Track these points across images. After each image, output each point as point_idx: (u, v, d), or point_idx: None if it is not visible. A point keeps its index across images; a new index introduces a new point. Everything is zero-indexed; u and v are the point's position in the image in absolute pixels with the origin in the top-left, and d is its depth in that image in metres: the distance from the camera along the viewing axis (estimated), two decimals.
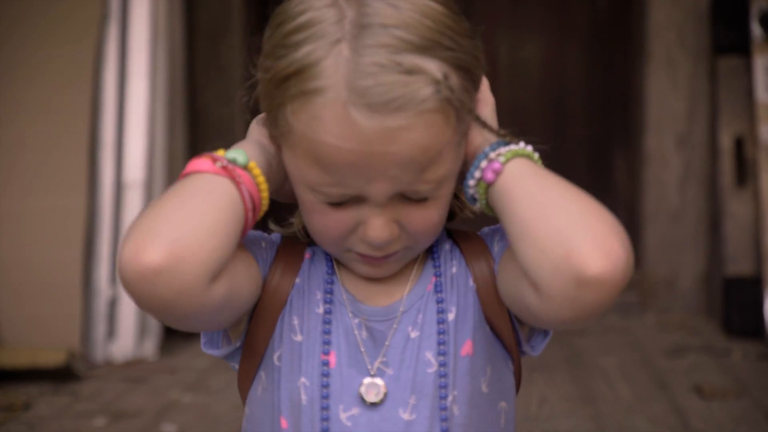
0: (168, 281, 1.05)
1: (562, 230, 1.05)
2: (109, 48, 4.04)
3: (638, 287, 4.78)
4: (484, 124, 1.17)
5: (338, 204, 1.17)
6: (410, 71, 1.09)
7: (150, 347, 4.01)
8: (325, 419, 1.21)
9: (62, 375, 3.63)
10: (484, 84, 1.24)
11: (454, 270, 1.25)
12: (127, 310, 3.92)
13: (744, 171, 4.30)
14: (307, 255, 1.28)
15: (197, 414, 3.27)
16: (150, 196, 4.00)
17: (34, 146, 3.88)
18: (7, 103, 3.92)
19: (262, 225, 1.35)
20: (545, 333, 1.27)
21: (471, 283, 1.24)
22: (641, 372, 3.72)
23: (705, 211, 4.64)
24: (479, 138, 1.19)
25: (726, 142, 4.36)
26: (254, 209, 1.16)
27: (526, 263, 1.08)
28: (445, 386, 1.20)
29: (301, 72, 1.12)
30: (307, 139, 1.13)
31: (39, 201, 3.83)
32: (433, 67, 1.10)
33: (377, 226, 1.16)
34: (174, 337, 4.16)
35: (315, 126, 1.11)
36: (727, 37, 4.46)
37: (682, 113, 4.68)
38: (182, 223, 1.08)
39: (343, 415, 1.21)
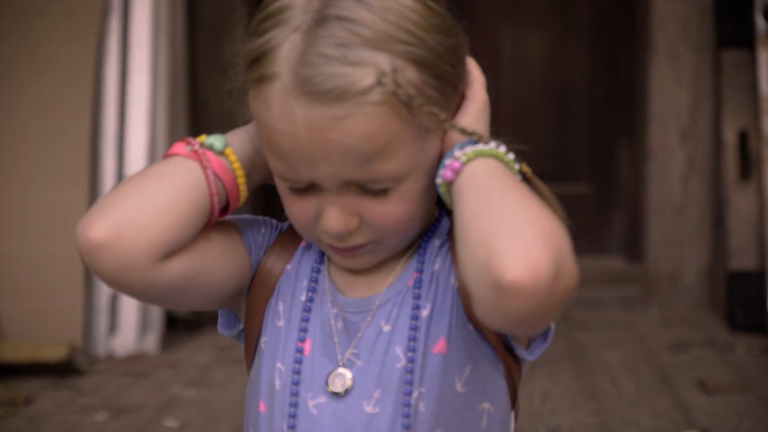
0: (109, 256, 1.13)
1: (488, 234, 1.02)
2: (110, 42, 4.03)
3: (641, 282, 4.77)
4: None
5: (300, 192, 1.19)
6: (354, 63, 1.10)
7: (152, 342, 4.01)
8: (294, 405, 1.22)
9: (64, 369, 3.63)
10: (476, 82, 1.24)
11: (436, 267, 1.25)
12: (129, 304, 3.91)
13: (748, 165, 4.29)
14: (303, 243, 1.30)
15: (199, 409, 3.26)
16: None
17: (35, 140, 3.87)
18: (9, 97, 3.91)
19: (274, 212, 1.36)
20: (544, 338, 1.26)
21: (453, 281, 1.23)
22: (644, 367, 3.71)
23: (708, 206, 4.63)
24: (454, 137, 1.18)
25: (730, 135, 4.35)
26: (227, 194, 1.21)
27: (460, 265, 1.07)
28: (410, 382, 1.20)
29: (260, 57, 1.15)
30: (262, 124, 1.17)
31: (40, 195, 3.82)
32: (382, 60, 1.11)
33: (331, 216, 1.18)
34: (176, 331, 4.16)
35: (265, 111, 1.15)
36: (731, 30, 4.45)
37: (686, 107, 4.66)
38: (132, 202, 1.15)
39: (310, 403, 1.22)
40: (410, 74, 1.13)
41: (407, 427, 1.19)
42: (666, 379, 3.53)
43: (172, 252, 1.16)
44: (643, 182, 4.80)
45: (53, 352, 3.60)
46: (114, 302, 3.91)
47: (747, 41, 4.36)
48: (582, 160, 5.08)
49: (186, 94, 4.45)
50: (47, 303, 3.75)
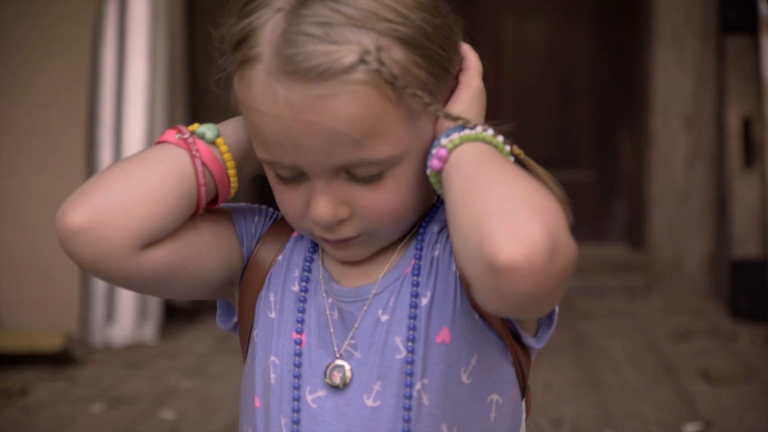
0: (87, 243, 1.10)
1: (477, 217, 0.98)
2: (107, 28, 3.98)
3: (644, 270, 4.73)
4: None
5: (288, 181, 1.15)
6: (337, 41, 1.07)
7: (149, 331, 3.97)
8: (296, 399, 1.18)
9: (60, 359, 3.60)
10: (471, 68, 1.21)
11: (436, 253, 1.20)
12: (126, 293, 3.87)
13: (751, 152, 4.25)
14: (296, 233, 1.26)
15: (196, 400, 3.23)
16: None
17: (31, 127, 3.83)
18: (5, 84, 3.87)
19: (270, 203, 1.32)
20: (549, 324, 1.22)
21: (454, 268, 1.19)
22: (647, 356, 3.68)
23: (712, 193, 4.59)
24: (444, 122, 1.14)
25: (733, 122, 4.31)
26: (216, 185, 1.17)
27: (454, 252, 1.05)
28: (411, 374, 1.16)
29: (244, 40, 1.12)
30: (245, 107, 1.14)
31: (36, 183, 3.79)
32: (366, 38, 1.08)
33: (319, 205, 1.14)
34: (174, 320, 4.13)
35: (248, 94, 1.12)
36: (735, 16, 4.41)
37: (689, 93, 4.62)
38: (114, 188, 1.12)
39: (309, 397, 1.19)
40: (396, 53, 1.09)
41: (408, 420, 1.15)
42: (669, 369, 3.50)
43: (153, 241, 1.13)
44: (646, 169, 4.76)
45: (49, 341, 3.57)
46: (111, 291, 3.87)
47: (751, 27, 4.32)
48: (584, 147, 5.04)
49: (184, 80, 4.41)
50: (43, 292, 3.72)
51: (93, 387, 3.38)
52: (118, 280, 1.15)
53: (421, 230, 1.22)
